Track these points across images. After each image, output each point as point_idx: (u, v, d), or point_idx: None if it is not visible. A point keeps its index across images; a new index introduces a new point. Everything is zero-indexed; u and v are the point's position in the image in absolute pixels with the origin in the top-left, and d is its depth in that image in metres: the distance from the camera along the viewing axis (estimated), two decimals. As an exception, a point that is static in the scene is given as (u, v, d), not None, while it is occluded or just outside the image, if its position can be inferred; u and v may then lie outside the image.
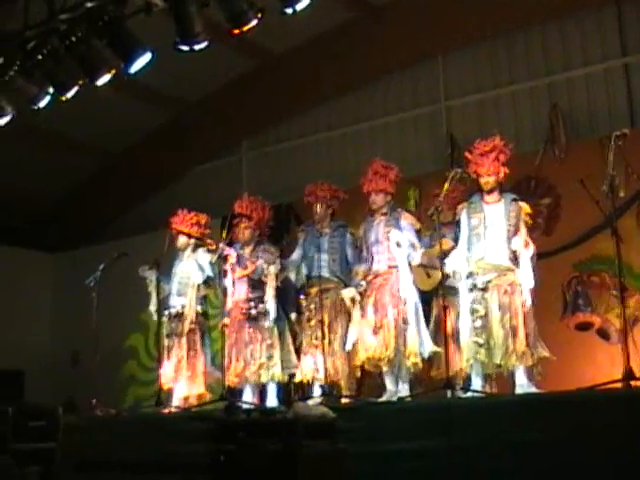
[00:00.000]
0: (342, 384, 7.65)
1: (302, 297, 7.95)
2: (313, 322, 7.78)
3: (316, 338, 7.72)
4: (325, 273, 7.72)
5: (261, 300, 7.98)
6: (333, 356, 7.59)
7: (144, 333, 11.79)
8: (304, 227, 8.31)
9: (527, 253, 6.70)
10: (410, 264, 7.21)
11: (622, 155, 6.34)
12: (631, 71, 9.61)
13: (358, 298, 7.39)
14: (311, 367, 7.75)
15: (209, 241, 8.47)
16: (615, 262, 6.14)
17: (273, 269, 7.93)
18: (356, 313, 7.40)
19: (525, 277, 6.66)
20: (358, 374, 7.67)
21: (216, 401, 7.62)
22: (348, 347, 7.42)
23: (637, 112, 9.46)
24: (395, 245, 7.19)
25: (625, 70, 9.65)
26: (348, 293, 7.47)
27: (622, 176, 8.09)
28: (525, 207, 6.95)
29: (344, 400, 7.42)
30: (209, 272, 8.37)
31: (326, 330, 7.59)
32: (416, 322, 7.16)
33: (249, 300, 8.02)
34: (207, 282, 8.43)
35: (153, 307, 8.50)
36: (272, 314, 7.87)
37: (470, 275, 6.76)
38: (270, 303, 7.89)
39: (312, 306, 7.79)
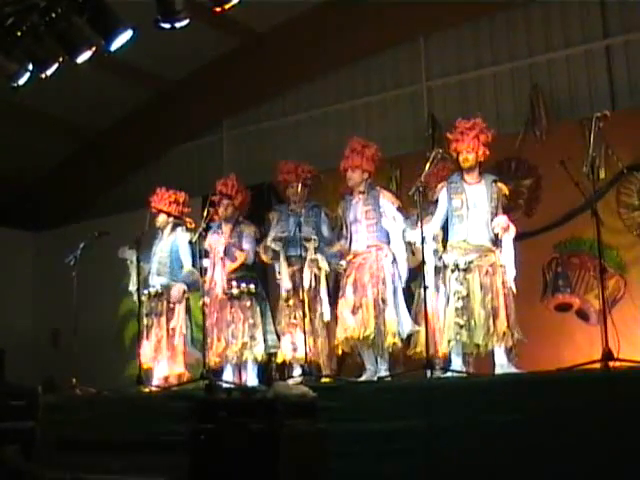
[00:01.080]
0: (322, 363, 7.66)
1: (278, 275, 7.94)
2: (292, 301, 7.78)
3: (295, 317, 7.73)
4: (303, 252, 7.67)
5: (243, 279, 7.98)
6: (313, 335, 7.59)
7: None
8: (276, 207, 8.30)
9: (509, 235, 6.75)
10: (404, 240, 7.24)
11: (602, 137, 6.35)
12: (612, 53, 9.61)
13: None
14: (289, 347, 7.76)
15: (188, 220, 8.46)
16: (595, 243, 6.17)
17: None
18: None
19: (508, 259, 6.70)
20: (339, 352, 7.69)
21: (196, 380, 7.62)
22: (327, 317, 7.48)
23: (618, 94, 9.47)
24: (392, 219, 7.21)
25: (606, 52, 9.64)
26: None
27: (602, 157, 8.17)
28: (504, 188, 7.00)
29: (324, 379, 7.44)
30: (187, 251, 8.36)
31: (306, 310, 7.60)
32: (394, 302, 7.19)
33: (231, 280, 8.01)
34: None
35: (133, 287, 8.47)
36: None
37: (450, 255, 6.79)
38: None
39: (289, 286, 7.79)
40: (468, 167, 6.93)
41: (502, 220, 6.79)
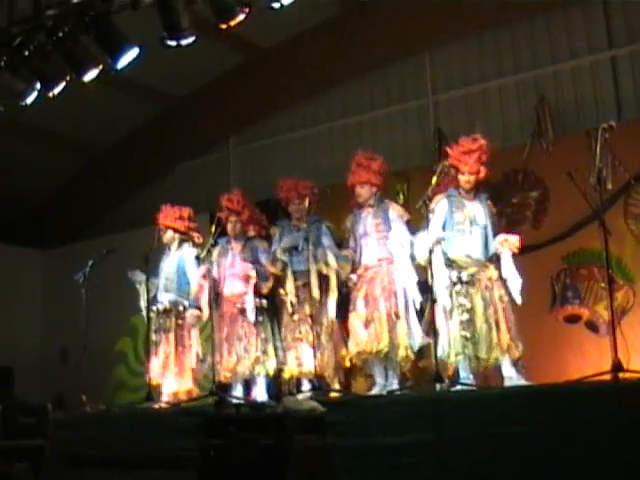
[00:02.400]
0: (329, 377, 7.64)
1: (281, 291, 7.94)
2: (297, 316, 7.77)
3: (300, 332, 7.72)
4: (306, 267, 7.66)
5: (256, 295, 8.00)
6: (319, 349, 7.58)
7: (133, 337, 11.78)
8: (278, 222, 8.29)
9: (508, 252, 6.79)
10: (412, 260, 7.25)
11: (609, 148, 6.37)
12: (618, 64, 9.61)
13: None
14: (295, 362, 7.76)
15: (195, 234, 8.50)
16: (603, 254, 6.16)
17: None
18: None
19: (512, 276, 6.73)
20: (347, 365, 7.69)
21: (206, 396, 7.62)
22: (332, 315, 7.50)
23: (624, 105, 9.47)
24: (399, 246, 7.21)
25: (612, 63, 9.65)
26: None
27: (609, 168, 8.17)
28: (492, 206, 7.11)
29: (333, 394, 7.42)
30: (194, 267, 8.39)
31: (311, 323, 7.60)
32: (406, 315, 7.18)
33: (243, 294, 8.01)
34: None
35: (143, 303, 8.49)
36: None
37: (452, 268, 6.80)
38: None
39: (295, 300, 7.79)
40: (469, 188, 6.98)
41: (502, 238, 6.84)
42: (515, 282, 6.72)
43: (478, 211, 7.00)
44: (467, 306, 6.68)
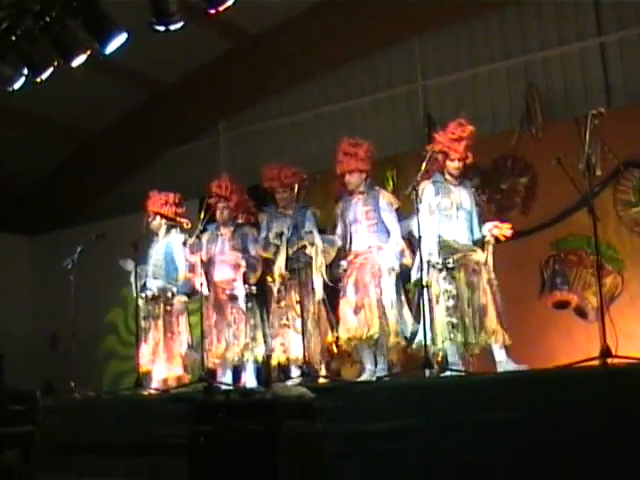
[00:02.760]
0: (316, 364, 7.65)
1: (269, 278, 7.94)
2: (283, 303, 7.77)
3: (287, 319, 7.73)
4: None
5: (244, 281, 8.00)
6: (306, 336, 7.58)
7: (124, 308, 11.75)
8: (265, 209, 8.27)
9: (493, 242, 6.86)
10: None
11: (598, 134, 6.36)
12: (607, 50, 9.61)
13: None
14: (280, 348, 7.76)
15: (184, 220, 8.49)
16: (592, 241, 6.17)
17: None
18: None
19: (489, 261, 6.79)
20: (334, 351, 7.70)
21: (195, 383, 7.62)
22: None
23: (613, 91, 9.47)
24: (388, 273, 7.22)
25: (601, 49, 9.65)
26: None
27: (598, 155, 8.18)
28: (476, 194, 7.20)
29: (321, 380, 7.43)
30: (182, 253, 8.37)
31: (298, 310, 7.60)
32: (397, 301, 7.19)
33: (232, 281, 8.01)
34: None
35: (134, 293, 8.48)
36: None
37: (440, 254, 6.81)
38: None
39: (281, 287, 7.79)
40: (459, 174, 6.98)
41: (492, 224, 6.88)
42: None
43: (464, 196, 7.01)
44: (453, 292, 6.68)
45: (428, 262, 6.79)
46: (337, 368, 8.41)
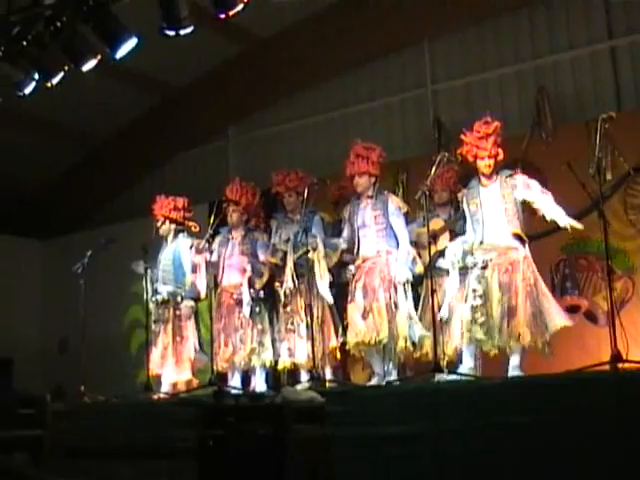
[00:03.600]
0: (321, 369, 7.64)
1: (277, 283, 7.94)
2: (289, 308, 7.78)
3: (292, 323, 7.73)
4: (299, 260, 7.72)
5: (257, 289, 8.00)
6: (311, 339, 7.58)
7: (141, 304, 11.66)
8: (275, 215, 8.28)
9: (548, 196, 6.79)
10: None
11: (609, 138, 6.35)
12: (617, 54, 9.61)
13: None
14: (286, 353, 7.77)
15: (192, 223, 8.51)
16: (602, 245, 6.15)
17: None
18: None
19: (556, 211, 6.73)
20: (337, 357, 7.70)
21: (204, 387, 7.63)
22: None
23: (623, 95, 9.46)
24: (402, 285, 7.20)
25: (611, 53, 9.64)
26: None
27: (609, 159, 8.15)
28: (523, 179, 6.88)
29: (328, 384, 7.42)
30: (190, 257, 8.38)
31: (303, 315, 7.62)
32: (406, 306, 7.17)
33: (240, 285, 8.01)
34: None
35: (146, 296, 8.50)
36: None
37: (471, 255, 6.75)
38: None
39: (288, 292, 7.79)
40: (490, 172, 6.89)
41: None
42: (558, 214, 6.71)
43: (494, 194, 6.82)
44: (480, 291, 6.63)
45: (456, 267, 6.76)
46: (347, 372, 8.38)
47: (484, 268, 6.66)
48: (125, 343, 12.05)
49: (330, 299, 7.53)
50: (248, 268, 7.95)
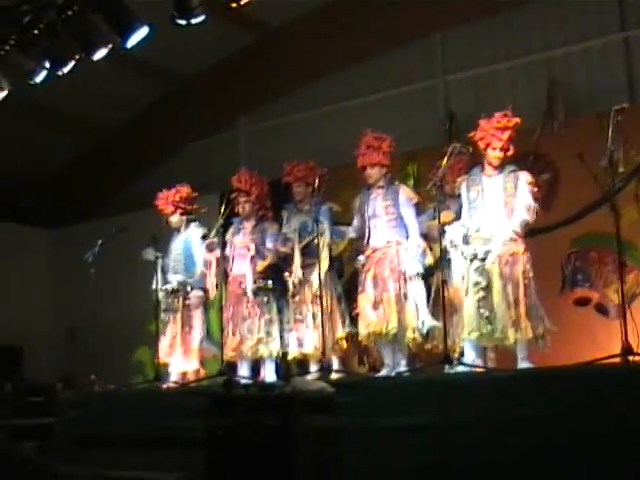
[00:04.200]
0: (328, 359, 7.65)
1: (286, 273, 7.95)
2: (297, 298, 7.79)
3: (300, 314, 7.74)
4: (307, 249, 7.76)
5: (261, 275, 7.99)
6: (318, 329, 7.58)
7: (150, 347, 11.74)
8: (286, 206, 8.28)
9: (524, 217, 6.71)
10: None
11: (621, 130, 6.30)
12: (630, 46, 9.55)
13: None
14: (295, 343, 7.79)
15: (201, 209, 8.56)
16: (613, 237, 6.13)
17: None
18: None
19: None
20: (344, 347, 7.70)
21: (214, 376, 7.64)
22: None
23: (636, 87, 9.42)
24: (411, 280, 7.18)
25: (624, 45, 9.59)
26: None
27: (621, 151, 8.11)
28: (525, 176, 6.88)
29: (336, 375, 7.41)
30: (200, 247, 8.41)
31: (310, 305, 7.66)
32: (415, 296, 7.16)
33: (251, 276, 8.02)
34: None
35: (154, 285, 8.51)
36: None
37: (469, 245, 6.73)
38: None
39: (296, 281, 7.80)
40: (498, 164, 6.86)
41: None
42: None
43: (496, 185, 6.81)
44: (482, 284, 6.60)
45: (459, 250, 6.74)
46: (351, 363, 8.41)
47: (484, 260, 6.64)
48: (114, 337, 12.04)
49: (316, 285, 7.51)
50: (252, 247, 7.96)
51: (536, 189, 6.91)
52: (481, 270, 6.62)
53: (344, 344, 7.69)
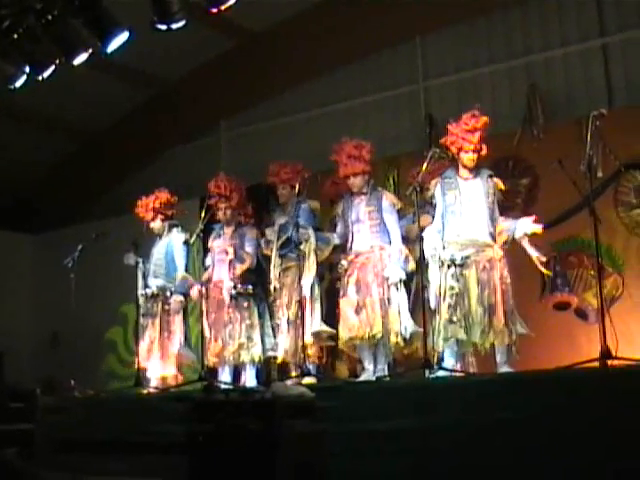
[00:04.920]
0: (290, 364, 7.66)
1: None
2: (278, 302, 7.79)
3: (278, 318, 7.75)
4: (285, 251, 7.76)
5: (241, 280, 7.98)
6: (286, 334, 7.61)
7: (123, 326, 11.76)
8: (274, 208, 8.29)
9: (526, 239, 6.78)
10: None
11: (600, 135, 6.35)
12: (609, 52, 9.62)
13: None
14: (275, 348, 7.80)
15: (179, 211, 8.57)
16: (593, 242, 6.16)
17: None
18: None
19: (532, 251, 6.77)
20: (308, 354, 7.66)
21: (195, 381, 7.62)
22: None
23: (615, 92, 9.48)
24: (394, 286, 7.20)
25: (603, 51, 9.65)
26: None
27: (600, 156, 8.18)
28: (499, 183, 6.93)
29: (307, 380, 7.36)
30: (182, 252, 8.40)
31: (285, 309, 7.67)
32: (397, 301, 7.17)
33: (230, 280, 8.01)
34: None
35: (140, 291, 8.51)
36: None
37: (446, 250, 6.75)
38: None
39: (277, 286, 7.80)
40: (473, 166, 6.88)
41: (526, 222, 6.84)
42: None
43: (475, 189, 6.81)
44: (456, 289, 6.63)
45: (437, 258, 6.75)
46: (333, 367, 8.39)
47: (462, 266, 6.66)
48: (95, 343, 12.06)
49: (308, 294, 7.50)
50: (230, 251, 7.95)
51: (504, 197, 6.95)
52: (457, 276, 6.64)
53: (309, 352, 7.62)
